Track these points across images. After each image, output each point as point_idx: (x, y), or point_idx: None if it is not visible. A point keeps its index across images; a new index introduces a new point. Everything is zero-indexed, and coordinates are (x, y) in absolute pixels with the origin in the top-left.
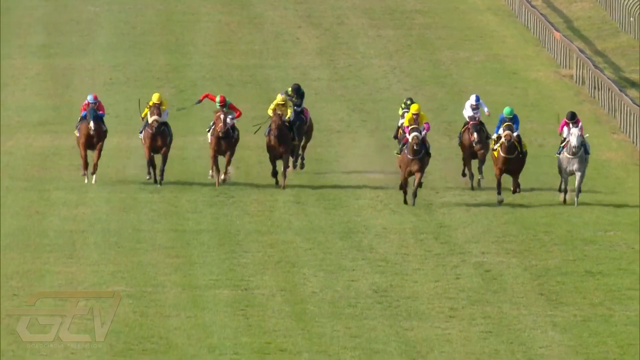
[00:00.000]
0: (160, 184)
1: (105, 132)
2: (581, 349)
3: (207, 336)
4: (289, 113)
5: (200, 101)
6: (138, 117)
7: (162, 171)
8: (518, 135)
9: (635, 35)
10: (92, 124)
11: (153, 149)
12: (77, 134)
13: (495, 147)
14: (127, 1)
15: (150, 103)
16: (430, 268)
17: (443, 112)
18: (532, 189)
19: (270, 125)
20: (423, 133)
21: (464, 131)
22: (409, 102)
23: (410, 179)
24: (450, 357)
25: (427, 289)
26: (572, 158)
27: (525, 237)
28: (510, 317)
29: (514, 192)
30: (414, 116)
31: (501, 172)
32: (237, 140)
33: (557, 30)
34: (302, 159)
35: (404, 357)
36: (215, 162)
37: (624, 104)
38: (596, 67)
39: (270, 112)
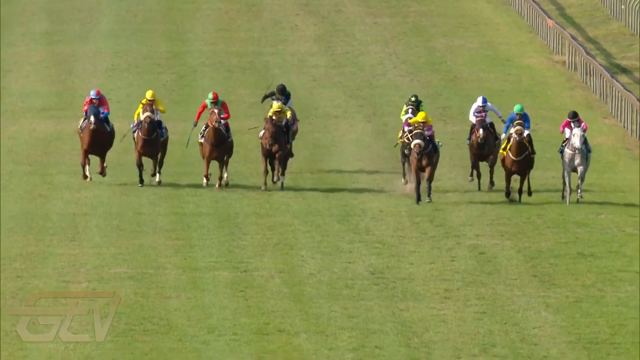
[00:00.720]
0: (159, 183)
1: (111, 133)
2: (573, 329)
3: (207, 317)
4: (288, 115)
5: (196, 123)
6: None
7: (159, 171)
8: (529, 135)
9: (626, 23)
10: (92, 118)
11: (144, 153)
12: (81, 134)
13: (505, 147)
14: None
15: (144, 100)
16: (426, 250)
17: (438, 97)
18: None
19: (264, 126)
20: (426, 133)
21: (471, 133)
22: (413, 99)
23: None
24: (445, 337)
25: (422, 271)
26: (574, 154)
27: (519, 220)
28: (504, 298)
29: (529, 194)
30: (421, 124)
31: (510, 173)
32: (232, 144)
33: (549, 17)
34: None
35: (400, 337)
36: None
37: (615, 90)
38: (588, 53)
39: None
